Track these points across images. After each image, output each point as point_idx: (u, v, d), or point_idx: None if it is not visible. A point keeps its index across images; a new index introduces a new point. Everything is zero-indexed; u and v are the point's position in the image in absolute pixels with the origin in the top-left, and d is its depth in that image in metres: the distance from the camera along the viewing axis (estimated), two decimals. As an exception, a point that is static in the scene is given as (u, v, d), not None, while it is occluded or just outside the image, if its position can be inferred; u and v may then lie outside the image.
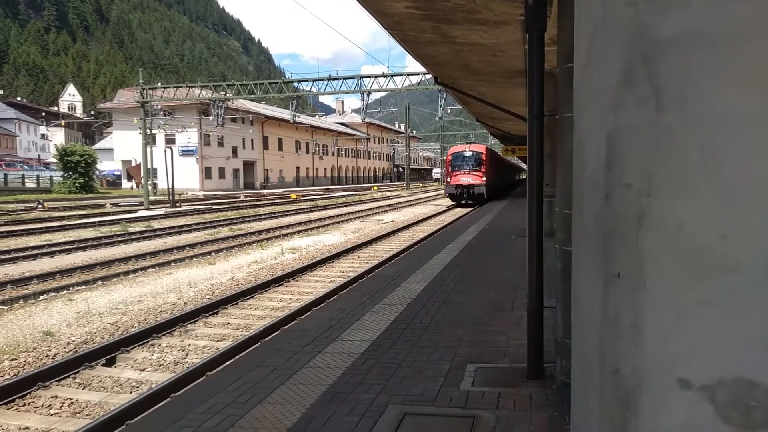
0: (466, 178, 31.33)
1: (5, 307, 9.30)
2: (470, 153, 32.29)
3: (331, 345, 5.39)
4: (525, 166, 75.59)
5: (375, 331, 5.87)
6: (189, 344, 7.17)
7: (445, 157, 35.19)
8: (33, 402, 5.45)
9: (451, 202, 33.97)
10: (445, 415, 3.78)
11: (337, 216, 27.46)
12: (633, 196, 1.54)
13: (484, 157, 31.88)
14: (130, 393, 5.66)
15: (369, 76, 30.87)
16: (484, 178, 31.22)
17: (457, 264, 10.17)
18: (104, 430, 4.44)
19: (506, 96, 15.15)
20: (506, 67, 11.02)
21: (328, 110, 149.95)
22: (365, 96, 31.84)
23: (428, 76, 25.24)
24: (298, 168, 79.88)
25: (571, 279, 2.05)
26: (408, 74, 30.18)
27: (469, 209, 28.63)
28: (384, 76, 30.15)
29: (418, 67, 16.02)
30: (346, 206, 36.38)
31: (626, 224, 1.54)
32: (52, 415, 5.20)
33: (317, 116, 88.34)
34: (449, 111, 46.14)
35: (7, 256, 14.41)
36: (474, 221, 19.16)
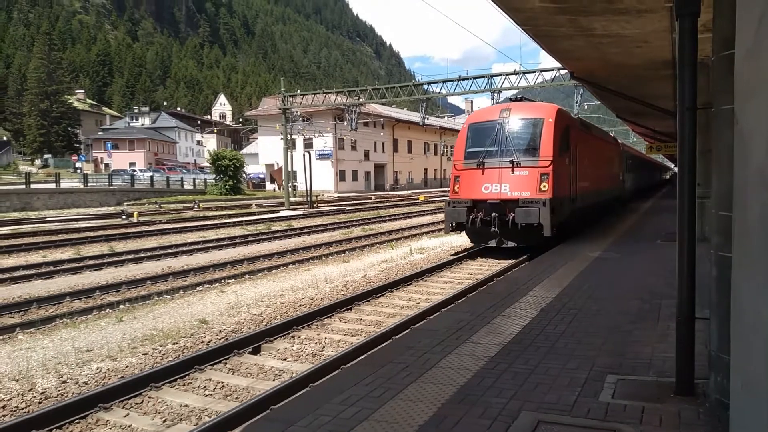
0: (495, 185, 13.32)
1: (168, 296, 10.40)
2: (517, 122, 13.74)
3: (461, 346, 5.38)
4: (666, 163, 66.43)
5: (506, 335, 5.75)
6: (325, 337, 7.53)
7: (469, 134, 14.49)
8: (191, 383, 6.03)
9: (464, 242, 15.66)
10: (583, 426, 3.61)
11: (467, 217, 27.24)
12: (812, 193, 1.37)
13: (552, 133, 13.33)
14: (273, 380, 6.06)
15: (500, 75, 30.31)
16: (545, 185, 12.97)
17: (594, 269, 9.66)
18: (251, 413, 4.80)
19: (649, 89, 14.14)
20: (650, 58, 10.31)
21: (457, 111, 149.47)
22: (495, 95, 31.28)
23: (563, 72, 24.26)
24: (426, 169, 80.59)
25: (731, 287, 1.86)
26: (541, 70, 29.16)
27: (510, 261, 12.64)
28: (516, 73, 29.41)
29: (552, 62, 15.46)
30: (475, 207, 35.98)
31: (802, 226, 1.37)
32: (206, 396, 5.72)
33: (446, 117, 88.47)
34: (586, 107, 44.01)
35: (170, 251, 16.13)
36: (611, 225, 18.07)
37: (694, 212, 3.94)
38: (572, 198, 14.53)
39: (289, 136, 40.09)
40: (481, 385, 4.37)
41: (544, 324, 6.10)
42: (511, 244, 13.27)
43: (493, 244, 13.48)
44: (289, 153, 39.66)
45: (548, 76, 28.99)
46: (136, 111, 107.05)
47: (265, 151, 65.79)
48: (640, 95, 14.38)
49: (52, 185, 43.51)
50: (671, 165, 68.57)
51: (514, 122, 13.71)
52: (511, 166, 13.18)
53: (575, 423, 3.65)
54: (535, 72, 29.23)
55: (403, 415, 3.81)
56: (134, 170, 62.06)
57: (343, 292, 10.34)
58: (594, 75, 12.49)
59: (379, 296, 9.79)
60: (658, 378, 4.39)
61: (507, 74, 29.79)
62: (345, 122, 39.12)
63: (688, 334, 3.94)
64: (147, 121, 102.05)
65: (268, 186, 65.64)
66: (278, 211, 33.72)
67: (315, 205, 37.75)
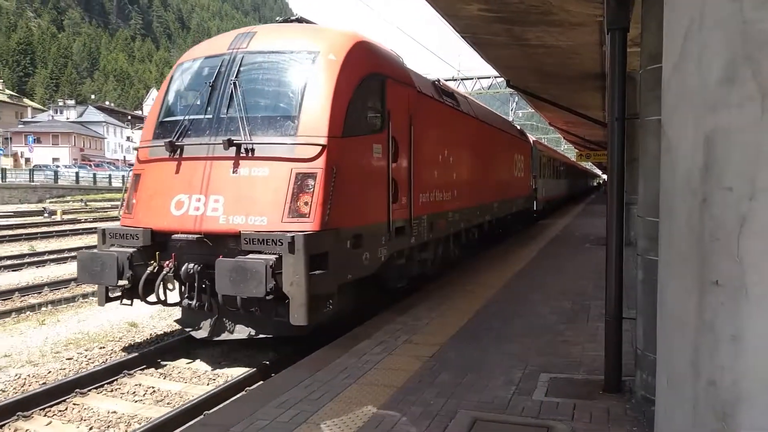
0: (196, 198, 5.71)
1: (95, 299, 9.91)
2: (261, 60, 6.14)
3: (400, 347, 5.42)
4: (594, 170, 68.25)
5: (444, 336, 5.84)
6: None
7: None
8: (119, 388, 5.77)
9: None
10: (517, 423, 3.71)
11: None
12: (734, 200, 1.47)
13: (334, 83, 5.81)
14: (207, 384, 5.89)
15: (438, 80, 30.80)
16: (307, 201, 5.41)
17: (527, 272, 9.96)
18: (184, 419, 4.65)
19: (581, 99, 14.74)
20: (582, 69, 10.74)
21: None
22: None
23: (500, 79, 24.89)
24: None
25: (658, 287, 1.96)
26: (478, 78, 29.90)
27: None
28: (453, 79, 30.01)
29: (489, 70, 15.81)
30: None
31: (726, 230, 1.47)
32: (136, 401, 5.49)
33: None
34: (520, 115, 45.26)
35: (96, 251, 15.37)
36: (549, 229, 18.68)
37: (623, 218, 4.13)
38: (399, 226, 7.14)
39: (225, 134, 39.08)
40: (419, 385, 4.41)
41: (481, 324, 6.22)
42: (237, 334, 5.99)
43: (202, 333, 6.13)
44: (225, 152, 38.65)
45: (485, 83, 29.78)
46: (60, 104, 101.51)
47: (200, 149, 63.87)
48: (572, 105, 14.96)
49: (-35, 180, 40.71)
50: (599, 172, 71.57)
51: (255, 59, 6.30)
52: (234, 154, 5.82)
53: (510, 420, 3.75)
54: (472, 79, 29.92)
55: (343, 417, 3.79)
56: (58, 166, 58.83)
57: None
58: (529, 84, 12.89)
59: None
60: (588, 376, 4.57)
61: (447, 80, 30.30)
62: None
63: (615, 333, 4.13)
64: (73, 115, 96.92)
65: (203, 185, 63.73)
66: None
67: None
